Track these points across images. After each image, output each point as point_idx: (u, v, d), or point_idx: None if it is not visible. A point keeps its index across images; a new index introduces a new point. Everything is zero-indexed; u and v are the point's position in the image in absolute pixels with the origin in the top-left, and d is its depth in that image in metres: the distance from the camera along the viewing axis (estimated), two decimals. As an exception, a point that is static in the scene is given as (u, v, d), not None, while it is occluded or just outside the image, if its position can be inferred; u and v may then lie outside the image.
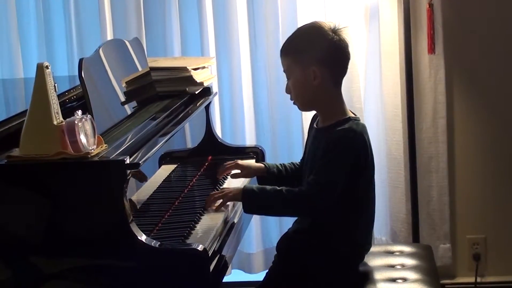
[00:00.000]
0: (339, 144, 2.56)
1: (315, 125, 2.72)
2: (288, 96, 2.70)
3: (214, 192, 2.71)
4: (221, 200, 2.64)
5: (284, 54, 2.67)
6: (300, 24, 3.55)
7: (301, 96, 2.66)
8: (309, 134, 2.79)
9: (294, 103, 2.70)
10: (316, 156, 2.60)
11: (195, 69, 3.22)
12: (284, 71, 2.68)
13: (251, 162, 3.00)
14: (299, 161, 2.88)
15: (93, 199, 2.27)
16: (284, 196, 2.56)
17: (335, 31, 2.63)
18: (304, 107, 2.77)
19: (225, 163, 2.88)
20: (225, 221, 2.60)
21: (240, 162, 2.87)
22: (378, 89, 3.77)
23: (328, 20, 2.73)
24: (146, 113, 2.88)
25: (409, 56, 3.68)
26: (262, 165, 2.87)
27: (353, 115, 2.67)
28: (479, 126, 3.82)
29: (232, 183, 2.90)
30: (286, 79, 2.69)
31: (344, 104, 2.68)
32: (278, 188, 2.59)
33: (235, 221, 2.69)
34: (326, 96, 2.64)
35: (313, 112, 2.78)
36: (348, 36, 3.58)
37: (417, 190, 3.75)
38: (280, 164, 2.87)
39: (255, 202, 2.59)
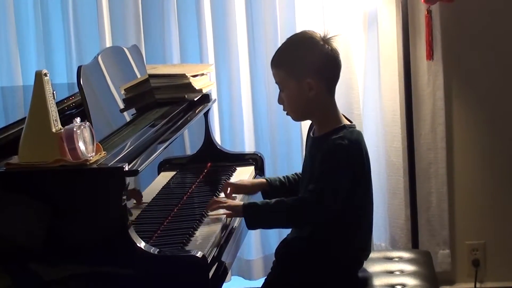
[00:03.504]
0: (334, 153, 2.55)
1: (311, 134, 2.72)
2: (284, 104, 2.70)
3: (218, 198, 2.69)
4: (222, 211, 2.64)
5: (276, 66, 2.65)
6: (298, 31, 3.56)
7: (296, 108, 2.65)
8: (307, 143, 2.78)
9: (287, 114, 2.69)
10: (314, 165, 2.60)
11: (194, 76, 3.22)
12: (276, 82, 2.67)
13: (253, 180, 2.95)
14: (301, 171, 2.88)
15: (92, 206, 2.27)
16: (286, 203, 2.56)
17: (326, 40, 2.62)
18: (298, 118, 2.76)
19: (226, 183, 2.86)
20: (224, 228, 2.60)
21: (240, 181, 2.84)
22: (377, 96, 3.77)
23: (320, 28, 2.71)
24: (145, 120, 2.88)
25: (407, 63, 3.69)
26: (264, 180, 2.85)
27: (348, 123, 2.66)
28: (478, 132, 3.82)
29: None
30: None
31: (338, 111, 2.68)
32: (278, 199, 2.59)
33: (235, 227, 2.68)
34: (321, 106, 2.64)
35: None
36: (346, 42, 3.64)
37: (416, 196, 3.75)
38: (283, 177, 2.86)
39: (256, 215, 2.57)
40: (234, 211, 2.62)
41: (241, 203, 2.61)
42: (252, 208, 2.58)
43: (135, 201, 2.55)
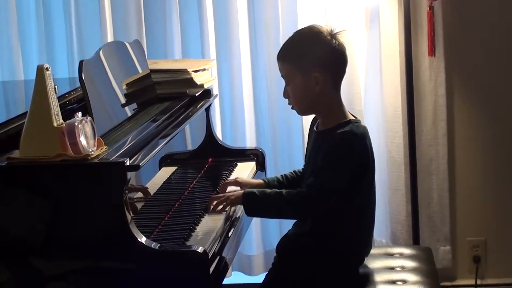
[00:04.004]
0: (340, 147, 2.55)
1: (315, 128, 2.72)
2: (288, 98, 2.70)
3: (215, 195, 2.70)
4: (222, 205, 2.65)
5: (283, 59, 2.65)
6: (300, 27, 3.55)
7: (301, 101, 2.65)
8: (310, 137, 2.78)
9: (292, 108, 2.69)
10: (317, 159, 2.60)
11: (195, 71, 3.22)
12: (282, 76, 2.67)
13: (251, 180, 2.96)
14: (302, 168, 2.87)
15: (93, 201, 2.27)
16: (284, 197, 2.56)
17: (333, 35, 2.63)
18: (304, 112, 2.76)
19: (226, 181, 2.88)
20: (225, 223, 2.60)
21: (239, 179, 2.86)
22: (378, 92, 3.77)
23: (325, 23, 2.72)
24: (147, 115, 2.88)
25: (409, 59, 3.68)
26: (262, 181, 2.85)
27: (353, 118, 2.66)
28: (480, 128, 3.82)
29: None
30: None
31: (343, 106, 2.68)
32: (278, 190, 2.61)
33: (236, 223, 2.69)
34: (327, 100, 2.64)
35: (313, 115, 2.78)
36: (348, 38, 3.62)
37: (417, 193, 3.75)
38: (281, 176, 2.86)
39: (256, 205, 2.60)
40: (235, 203, 2.64)
41: (241, 192, 2.62)
42: (250, 197, 2.59)
43: (142, 195, 2.56)
